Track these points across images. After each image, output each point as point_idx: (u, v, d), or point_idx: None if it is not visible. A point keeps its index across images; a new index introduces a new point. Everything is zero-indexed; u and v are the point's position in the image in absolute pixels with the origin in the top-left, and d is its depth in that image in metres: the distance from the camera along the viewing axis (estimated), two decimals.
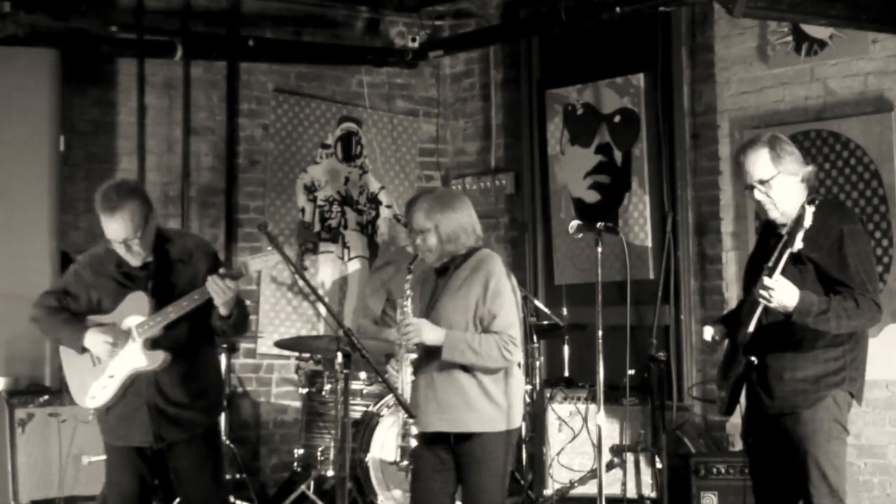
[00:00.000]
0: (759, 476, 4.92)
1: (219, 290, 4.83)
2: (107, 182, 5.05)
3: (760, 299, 4.53)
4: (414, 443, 4.98)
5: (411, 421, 4.95)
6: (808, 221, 4.40)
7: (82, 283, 5.11)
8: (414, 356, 4.96)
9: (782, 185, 4.70)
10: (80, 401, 5.12)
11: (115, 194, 4.90)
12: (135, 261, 4.98)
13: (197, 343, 5.07)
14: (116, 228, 4.87)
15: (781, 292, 4.50)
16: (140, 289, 4.99)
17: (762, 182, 4.71)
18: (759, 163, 4.71)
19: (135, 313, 4.99)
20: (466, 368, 4.92)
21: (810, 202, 4.42)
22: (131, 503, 5.07)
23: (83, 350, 5.04)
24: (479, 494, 4.92)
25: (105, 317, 5.05)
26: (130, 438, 5.03)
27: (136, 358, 4.97)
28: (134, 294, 5.00)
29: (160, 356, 4.96)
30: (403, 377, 4.96)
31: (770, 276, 4.49)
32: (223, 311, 4.90)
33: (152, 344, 4.96)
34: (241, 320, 5.04)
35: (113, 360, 4.99)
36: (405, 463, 5.02)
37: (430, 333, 4.88)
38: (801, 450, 4.67)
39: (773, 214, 4.75)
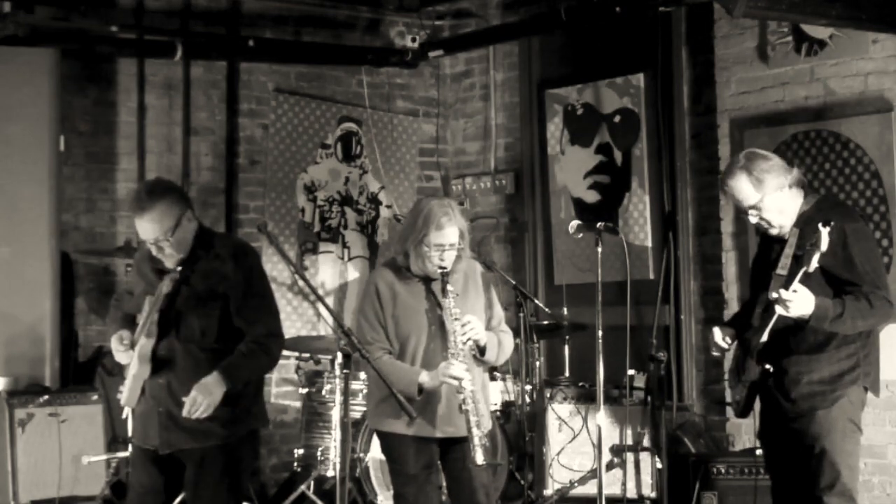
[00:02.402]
0: (776, 476, 4.95)
1: (202, 405, 4.75)
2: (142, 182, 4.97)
3: (779, 310, 4.57)
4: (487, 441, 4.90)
5: (476, 420, 4.78)
6: (824, 245, 4.46)
7: (136, 280, 5.07)
8: (472, 352, 4.92)
9: (772, 203, 4.77)
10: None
11: (146, 194, 4.82)
12: (168, 262, 4.85)
13: (219, 354, 4.82)
14: (146, 229, 4.78)
15: (799, 302, 4.55)
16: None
17: (752, 207, 4.77)
18: (743, 190, 4.77)
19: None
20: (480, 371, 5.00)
21: (824, 224, 4.47)
22: (144, 501, 4.99)
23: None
24: (485, 488, 4.94)
25: (140, 316, 4.95)
26: (146, 440, 4.93)
27: (133, 364, 4.86)
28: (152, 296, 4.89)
29: (145, 366, 4.83)
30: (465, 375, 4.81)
31: (786, 287, 4.54)
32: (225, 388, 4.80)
33: (149, 353, 4.83)
34: (246, 376, 4.86)
35: (129, 362, 4.91)
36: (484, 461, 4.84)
37: (484, 332, 4.94)
38: (817, 448, 4.70)
39: (773, 231, 4.83)
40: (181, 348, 4.84)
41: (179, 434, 4.83)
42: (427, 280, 4.96)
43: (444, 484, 5.10)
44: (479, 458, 4.73)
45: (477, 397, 4.81)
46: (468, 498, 4.94)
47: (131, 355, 4.86)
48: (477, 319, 4.90)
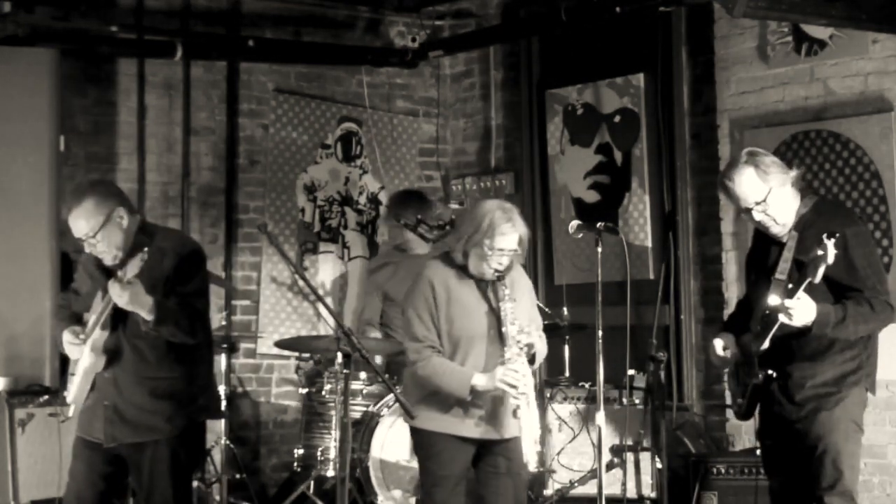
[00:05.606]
0: (776, 477, 4.94)
1: (114, 294, 4.75)
2: None
3: (781, 318, 4.57)
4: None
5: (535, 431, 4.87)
6: (831, 258, 4.42)
7: (83, 279, 5.14)
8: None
9: (777, 199, 4.73)
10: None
11: (74, 193, 4.99)
12: (105, 259, 4.93)
13: (167, 347, 4.88)
14: (74, 226, 4.93)
15: (802, 311, 4.54)
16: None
17: (758, 203, 4.73)
18: (749, 184, 4.72)
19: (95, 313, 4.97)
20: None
21: (829, 236, 4.42)
22: (82, 495, 5.01)
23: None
24: (523, 487, 4.97)
25: (88, 315, 5.02)
26: (91, 431, 4.99)
27: (85, 358, 4.92)
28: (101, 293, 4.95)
29: (100, 359, 4.89)
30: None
31: (791, 297, 4.53)
32: (144, 316, 4.78)
33: (102, 346, 4.89)
34: (171, 327, 4.81)
35: (80, 358, 4.96)
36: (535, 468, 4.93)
37: (536, 338, 5.00)
38: (819, 449, 4.70)
39: (775, 230, 4.78)
40: (127, 343, 4.90)
41: (123, 428, 4.90)
42: (481, 281, 4.96)
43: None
44: (533, 464, 4.80)
45: (530, 402, 4.82)
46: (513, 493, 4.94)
47: (82, 350, 4.92)
48: (530, 324, 4.95)
